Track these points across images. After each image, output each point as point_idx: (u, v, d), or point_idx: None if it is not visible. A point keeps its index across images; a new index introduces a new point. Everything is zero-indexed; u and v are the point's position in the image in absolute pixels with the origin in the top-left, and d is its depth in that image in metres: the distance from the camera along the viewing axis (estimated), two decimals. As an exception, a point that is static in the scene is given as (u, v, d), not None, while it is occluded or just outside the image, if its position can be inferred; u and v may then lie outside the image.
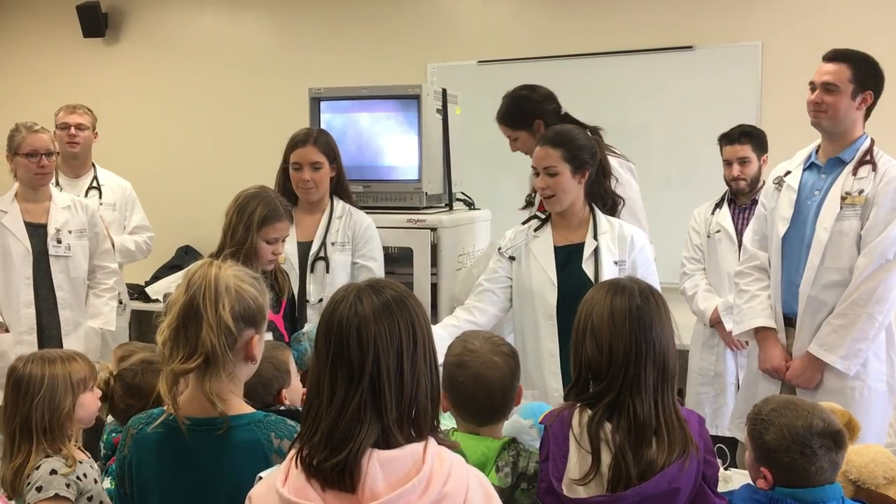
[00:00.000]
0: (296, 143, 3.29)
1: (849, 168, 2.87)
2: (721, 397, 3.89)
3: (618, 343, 1.85)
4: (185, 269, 1.75)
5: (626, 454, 1.78)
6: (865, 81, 2.85)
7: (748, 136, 3.78)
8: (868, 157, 2.86)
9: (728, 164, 3.84)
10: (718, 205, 3.96)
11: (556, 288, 2.84)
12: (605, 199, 2.96)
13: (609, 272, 2.78)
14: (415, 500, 1.37)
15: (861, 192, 2.81)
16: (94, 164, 4.50)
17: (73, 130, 4.31)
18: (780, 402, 1.89)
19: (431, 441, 1.45)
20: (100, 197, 4.36)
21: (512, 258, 2.98)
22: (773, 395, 2.06)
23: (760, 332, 3.06)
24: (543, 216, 2.99)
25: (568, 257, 2.88)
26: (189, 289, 1.68)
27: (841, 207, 2.84)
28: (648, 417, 1.80)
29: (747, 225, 3.74)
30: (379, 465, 1.39)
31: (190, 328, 1.66)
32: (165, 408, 1.74)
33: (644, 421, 1.80)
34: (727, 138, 3.85)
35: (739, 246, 3.77)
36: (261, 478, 1.57)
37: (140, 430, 1.75)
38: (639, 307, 1.86)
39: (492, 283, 2.99)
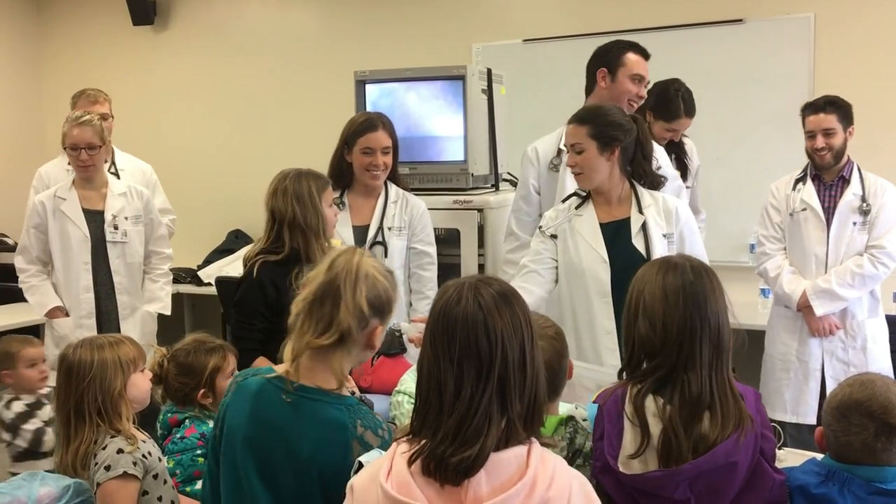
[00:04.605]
0: (365, 127, 3.28)
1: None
2: (804, 384, 3.65)
3: (672, 320, 1.84)
4: (328, 257, 1.82)
5: (677, 429, 1.78)
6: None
7: (834, 106, 3.55)
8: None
9: (811, 135, 3.58)
10: (801, 180, 3.69)
11: (608, 265, 2.81)
12: (644, 180, 2.90)
13: (659, 245, 2.76)
14: None
15: None
16: (113, 149, 4.39)
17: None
18: (867, 376, 1.89)
19: (535, 443, 1.45)
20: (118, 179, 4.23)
21: (554, 236, 2.95)
22: (879, 375, 2.03)
23: None
24: (584, 193, 2.96)
25: (616, 233, 2.85)
26: (332, 269, 1.77)
27: None
28: (703, 393, 1.80)
29: (836, 204, 3.59)
30: (483, 469, 1.39)
31: (326, 305, 1.75)
32: (277, 368, 1.82)
33: (698, 396, 1.80)
34: (812, 108, 3.61)
35: (828, 225, 3.58)
36: (360, 463, 1.60)
37: (245, 379, 1.83)
38: (692, 284, 1.85)
39: (536, 264, 2.96)
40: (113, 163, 4.35)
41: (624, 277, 2.54)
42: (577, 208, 2.93)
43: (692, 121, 3.80)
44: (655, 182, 2.93)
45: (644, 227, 2.80)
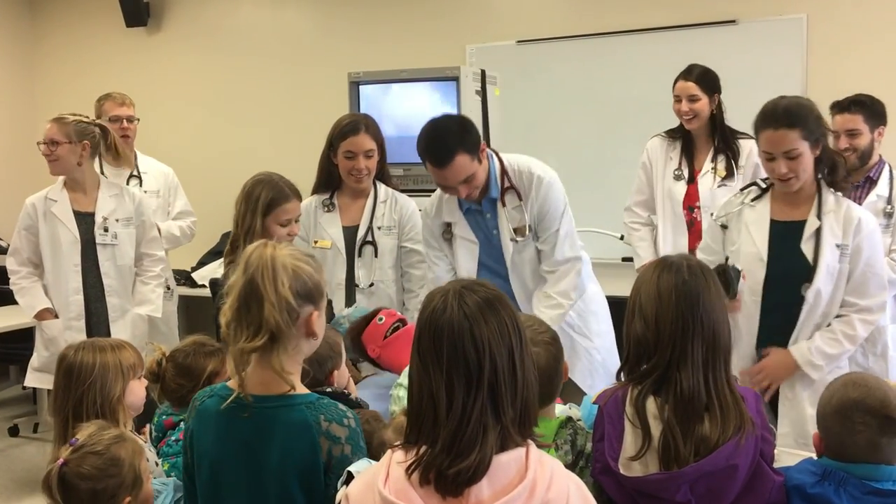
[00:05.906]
0: (347, 131, 3.27)
1: None
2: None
3: (664, 319, 1.84)
4: (242, 258, 1.78)
5: (674, 430, 1.78)
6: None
7: (860, 106, 3.42)
8: None
9: (836, 135, 3.40)
10: None
11: (764, 264, 2.67)
12: (830, 175, 2.68)
13: (829, 255, 2.60)
14: None
15: None
16: (135, 153, 4.48)
17: (125, 123, 4.33)
18: (856, 375, 1.92)
19: (532, 445, 1.45)
20: (140, 185, 4.36)
21: (724, 226, 2.83)
22: (866, 373, 2.06)
23: None
24: (764, 185, 2.80)
25: (785, 234, 2.69)
26: (247, 270, 1.72)
27: None
28: (696, 392, 1.80)
29: (861, 204, 3.40)
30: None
31: (252, 308, 1.70)
32: (229, 383, 1.78)
33: (691, 396, 1.79)
34: (837, 107, 3.49)
35: None
36: (349, 472, 1.59)
37: (203, 402, 1.81)
38: (685, 283, 1.86)
39: (706, 254, 2.85)
40: (136, 166, 4.40)
41: (781, 281, 2.39)
42: (752, 200, 2.79)
43: (696, 87, 3.71)
44: (834, 165, 2.67)
45: (818, 233, 2.64)
